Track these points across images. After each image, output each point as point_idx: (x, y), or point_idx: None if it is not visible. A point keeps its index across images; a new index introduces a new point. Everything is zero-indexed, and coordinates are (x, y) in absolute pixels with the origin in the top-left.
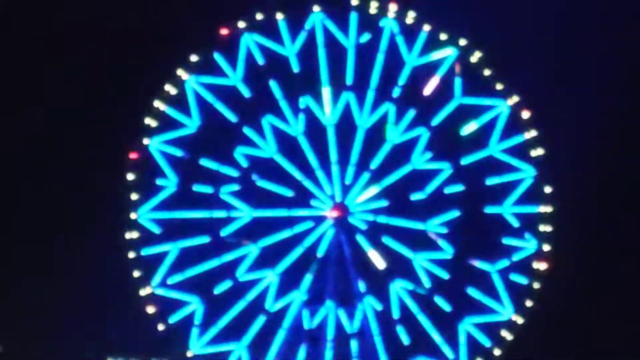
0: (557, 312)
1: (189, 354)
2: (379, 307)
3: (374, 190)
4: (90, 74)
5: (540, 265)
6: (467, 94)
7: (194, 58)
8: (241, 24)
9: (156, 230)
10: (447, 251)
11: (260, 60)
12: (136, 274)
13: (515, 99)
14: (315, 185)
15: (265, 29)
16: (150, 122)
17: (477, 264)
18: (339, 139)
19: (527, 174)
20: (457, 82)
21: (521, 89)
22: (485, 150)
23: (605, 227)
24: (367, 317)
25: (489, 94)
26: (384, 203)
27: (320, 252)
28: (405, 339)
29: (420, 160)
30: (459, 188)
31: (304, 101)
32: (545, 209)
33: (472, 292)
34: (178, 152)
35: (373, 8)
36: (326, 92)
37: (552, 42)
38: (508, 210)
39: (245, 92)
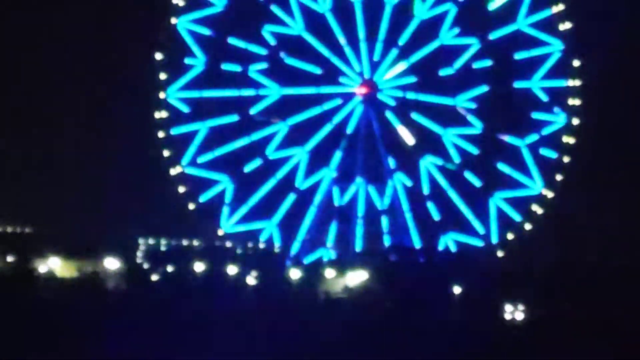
0: (587, 185)
1: (220, 232)
2: (409, 183)
3: (402, 66)
4: None
5: (570, 139)
6: None
7: None
8: None
9: (185, 109)
10: (477, 126)
11: None
12: (166, 153)
13: None
14: (344, 62)
15: None
16: (177, 1)
17: (507, 138)
18: (367, 16)
19: (555, 47)
20: None
21: None
22: (513, 24)
23: (633, 99)
24: (397, 193)
25: None
26: (412, 79)
27: (349, 129)
28: (435, 215)
29: (448, 35)
30: (487, 63)
31: None
32: (574, 82)
33: (502, 166)
34: (206, 31)
35: None
36: None
37: None
38: (536, 84)
39: None
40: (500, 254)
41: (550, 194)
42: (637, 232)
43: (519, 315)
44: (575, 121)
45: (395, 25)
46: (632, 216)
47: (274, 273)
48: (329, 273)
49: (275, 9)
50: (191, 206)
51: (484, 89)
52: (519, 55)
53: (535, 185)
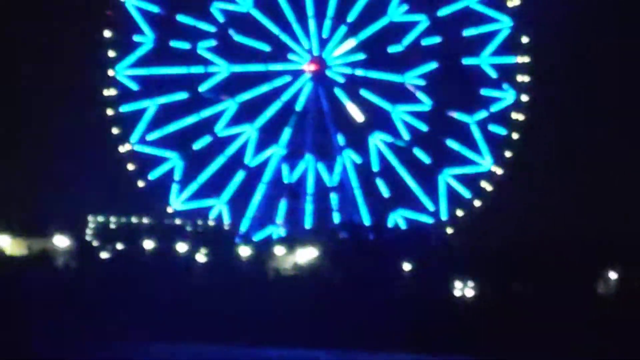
0: (536, 162)
1: (169, 210)
2: (359, 160)
3: (351, 43)
4: None
5: (519, 116)
6: None
7: None
8: None
9: (134, 86)
10: (426, 103)
11: None
12: (115, 131)
13: None
14: (293, 40)
15: None
16: None
17: (456, 115)
18: None
19: (504, 24)
20: None
21: None
22: (462, 1)
23: (582, 76)
24: (347, 170)
25: None
26: (361, 56)
27: (298, 106)
28: (385, 192)
29: (397, 12)
30: (436, 40)
31: None
32: (523, 59)
33: (451, 143)
34: (154, 8)
35: None
36: None
37: None
38: (485, 61)
39: None
40: (449, 230)
41: (499, 171)
42: (583, 207)
43: (469, 292)
44: (525, 98)
45: (344, 2)
46: (579, 193)
47: (223, 250)
48: (279, 250)
49: None
50: (141, 183)
51: (433, 65)
52: (467, 32)
53: (485, 162)
